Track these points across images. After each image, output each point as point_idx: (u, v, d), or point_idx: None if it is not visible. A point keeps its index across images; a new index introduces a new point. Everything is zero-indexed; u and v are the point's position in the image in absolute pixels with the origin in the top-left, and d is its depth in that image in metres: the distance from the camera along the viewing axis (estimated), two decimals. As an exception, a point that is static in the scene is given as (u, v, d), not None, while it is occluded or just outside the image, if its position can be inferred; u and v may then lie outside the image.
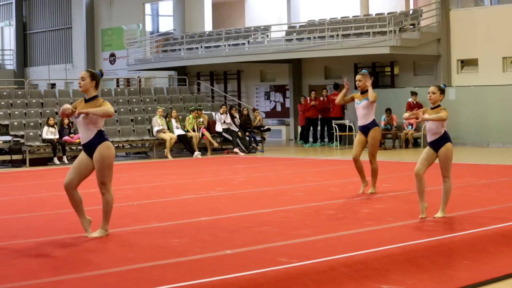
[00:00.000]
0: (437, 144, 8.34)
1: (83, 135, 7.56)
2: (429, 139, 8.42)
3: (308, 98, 23.78)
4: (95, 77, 7.57)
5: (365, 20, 23.52)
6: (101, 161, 7.49)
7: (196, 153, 20.43)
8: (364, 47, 22.37)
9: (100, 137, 7.53)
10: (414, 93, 21.79)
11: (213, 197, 11.16)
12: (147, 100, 23.51)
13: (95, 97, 7.59)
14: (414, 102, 21.48)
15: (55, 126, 19.23)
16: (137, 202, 10.51)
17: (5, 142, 18.85)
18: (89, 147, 7.54)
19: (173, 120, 20.88)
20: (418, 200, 8.42)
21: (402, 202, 9.99)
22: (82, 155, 7.63)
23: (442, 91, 8.40)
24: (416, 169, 8.34)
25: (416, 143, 22.22)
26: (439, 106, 8.40)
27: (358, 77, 10.77)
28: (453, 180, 12.50)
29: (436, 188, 9.47)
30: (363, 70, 11.06)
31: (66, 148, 19.08)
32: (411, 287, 5.88)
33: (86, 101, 7.60)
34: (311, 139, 23.97)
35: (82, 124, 7.52)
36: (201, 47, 26.47)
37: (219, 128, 21.67)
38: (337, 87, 24.02)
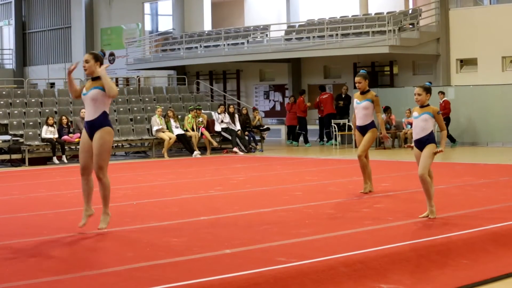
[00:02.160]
0: (422, 143, 8.28)
1: (89, 112, 7.77)
2: (415, 136, 8.32)
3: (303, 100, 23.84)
4: (98, 58, 7.89)
5: (364, 19, 23.52)
6: (100, 144, 7.68)
7: (196, 152, 20.43)
8: (363, 47, 22.37)
9: (104, 119, 7.74)
10: (441, 92, 21.27)
11: (212, 196, 11.16)
12: (146, 99, 23.50)
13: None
14: (441, 102, 21.09)
15: (54, 125, 19.22)
16: (136, 202, 10.49)
17: (4, 141, 18.85)
18: (92, 126, 7.74)
19: (171, 120, 20.87)
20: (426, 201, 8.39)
21: (401, 202, 10.00)
22: (84, 138, 7.83)
23: (428, 91, 8.27)
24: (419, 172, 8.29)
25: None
26: (428, 105, 8.32)
27: (357, 78, 10.77)
28: (452, 180, 12.52)
29: (436, 187, 9.45)
30: (362, 71, 11.03)
31: (65, 147, 19.08)
32: (410, 287, 5.88)
33: (93, 79, 7.83)
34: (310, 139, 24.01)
35: (90, 101, 7.74)
36: (201, 46, 26.47)
37: (218, 127, 21.67)
38: (324, 89, 24.05)
